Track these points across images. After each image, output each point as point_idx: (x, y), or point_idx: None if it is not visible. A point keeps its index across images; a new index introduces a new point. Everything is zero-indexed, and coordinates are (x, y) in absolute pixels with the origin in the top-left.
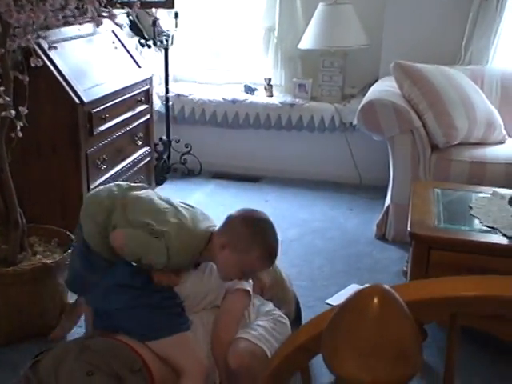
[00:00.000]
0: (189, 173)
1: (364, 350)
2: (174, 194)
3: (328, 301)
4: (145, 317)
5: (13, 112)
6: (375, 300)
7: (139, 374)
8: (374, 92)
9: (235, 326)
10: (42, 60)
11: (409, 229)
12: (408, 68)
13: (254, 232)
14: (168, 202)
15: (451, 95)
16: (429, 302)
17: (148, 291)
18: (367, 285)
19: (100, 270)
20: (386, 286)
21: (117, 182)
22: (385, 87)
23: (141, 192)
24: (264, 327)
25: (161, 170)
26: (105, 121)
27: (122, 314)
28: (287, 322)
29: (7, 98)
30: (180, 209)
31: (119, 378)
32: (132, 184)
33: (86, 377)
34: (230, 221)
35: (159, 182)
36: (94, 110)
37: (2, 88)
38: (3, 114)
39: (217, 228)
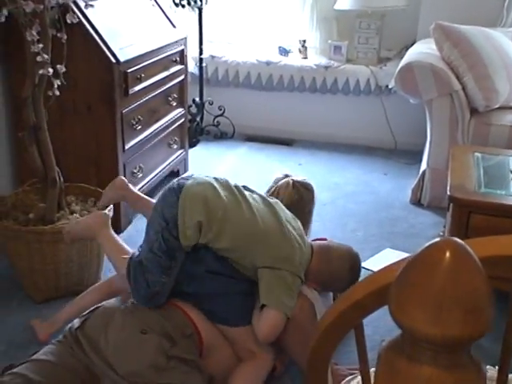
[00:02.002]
0: (222, 135)
1: (435, 304)
2: (206, 156)
3: (363, 264)
4: (237, 303)
5: (50, 70)
6: (447, 253)
7: (190, 339)
8: (412, 54)
9: None
10: (78, 18)
11: (448, 193)
12: (449, 29)
13: (352, 276)
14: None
15: (492, 58)
16: (501, 259)
17: (238, 278)
18: (402, 252)
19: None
20: (458, 240)
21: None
22: (423, 49)
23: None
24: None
25: (194, 133)
26: (140, 81)
27: (212, 299)
28: (331, 295)
29: (45, 56)
30: (286, 227)
31: (172, 340)
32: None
33: (140, 334)
34: (335, 264)
35: (192, 145)
36: (130, 70)
37: (41, 45)
38: (41, 71)
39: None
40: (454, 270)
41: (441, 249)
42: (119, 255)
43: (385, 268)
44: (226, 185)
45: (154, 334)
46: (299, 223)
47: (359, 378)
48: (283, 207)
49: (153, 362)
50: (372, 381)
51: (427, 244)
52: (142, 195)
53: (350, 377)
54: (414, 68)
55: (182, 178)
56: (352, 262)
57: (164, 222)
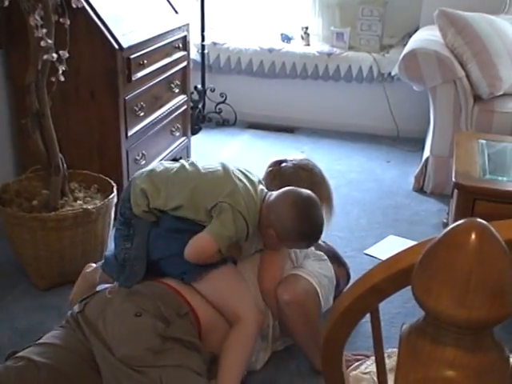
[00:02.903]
0: (223, 122)
1: (461, 286)
2: (208, 143)
3: (367, 251)
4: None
5: (54, 55)
6: (473, 235)
7: (186, 318)
8: (416, 41)
9: (282, 262)
10: (81, 3)
11: (454, 179)
12: (453, 16)
13: (300, 217)
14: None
15: (497, 45)
16: None
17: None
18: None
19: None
20: (484, 221)
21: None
22: (427, 36)
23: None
24: (311, 265)
25: (196, 120)
26: (143, 67)
27: (172, 260)
28: (327, 259)
29: (49, 41)
30: (232, 173)
31: (167, 321)
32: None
33: (134, 317)
34: (277, 201)
35: (194, 132)
36: (133, 56)
37: (45, 30)
38: (45, 57)
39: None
40: (481, 252)
41: (466, 230)
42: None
43: (403, 251)
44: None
45: (148, 316)
46: (255, 178)
47: (367, 363)
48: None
49: (148, 344)
50: (387, 365)
51: (452, 226)
52: None
53: (357, 363)
54: (417, 55)
55: None
56: (296, 195)
57: (121, 202)
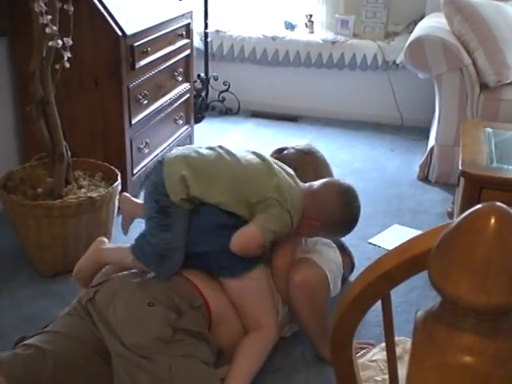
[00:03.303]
0: (227, 111)
1: (480, 271)
2: (211, 132)
3: (371, 240)
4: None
5: (59, 42)
6: (492, 219)
7: (198, 310)
8: (422, 28)
9: (296, 247)
10: None
11: (460, 168)
12: (459, 3)
13: (345, 207)
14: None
15: (504, 32)
16: None
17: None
18: (410, 228)
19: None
20: (503, 205)
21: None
22: (433, 23)
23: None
24: (322, 250)
25: (199, 108)
26: (146, 54)
27: (222, 254)
28: (335, 246)
29: (54, 27)
30: (273, 165)
31: (179, 312)
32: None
33: (147, 307)
34: (322, 192)
35: (197, 120)
36: (136, 44)
37: (49, 17)
38: (50, 43)
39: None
40: (501, 236)
41: (486, 214)
42: (123, 251)
43: (416, 237)
44: (207, 147)
45: (161, 307)
46: (291, 171)
47: (374, 351)
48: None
49: (159, 334)
50: (397, 351)
51: (470, 210)
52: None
53: (363, 351)
54: (424, 42)
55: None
56: (339, 186)
57: (153, 188)
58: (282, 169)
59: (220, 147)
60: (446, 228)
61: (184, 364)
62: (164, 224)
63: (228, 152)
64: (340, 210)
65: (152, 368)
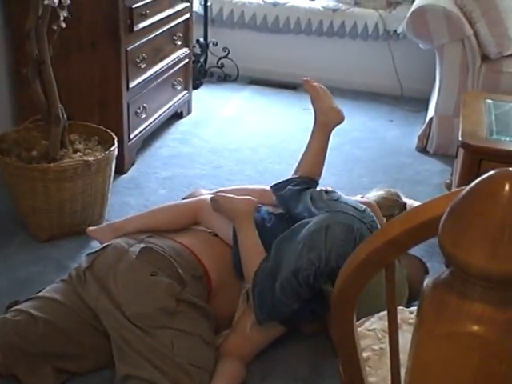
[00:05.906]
0: (225, 77)
1: (494, 238)
2: (209, 98)
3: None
4: None
5: (56, 0)
6: (507, 185)
7: (200, 281)
8: None
9: None
10: None
11: (460, 139)
12: None
13: None
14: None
15: (507, 3)
16: None
17: None
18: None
19: None
20: None
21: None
22: None
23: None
24: None
25: (197, 74)
26: (145, 17)
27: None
28: None
29: None
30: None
31: (183, 283)
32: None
33: (150, 277)
34: None
35: (195, 86)
36: (135, 6)
37: None
38: (46, 2)
39: None
40: None
41: (499, 180)
42: (253, 252)
43: (424, 204)
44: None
45: (164, 277)
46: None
47: (372, 320)
48: None
49: (162, 304)
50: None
51: (483, 176)
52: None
53: (359, 321)
54: (426, 12)
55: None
56: None
57: (325, 262)
58: None
59: None
60: (458, 194)
61: (186, 343)
62: (302, 296)
63: None
64: None
65: (153, 344)
